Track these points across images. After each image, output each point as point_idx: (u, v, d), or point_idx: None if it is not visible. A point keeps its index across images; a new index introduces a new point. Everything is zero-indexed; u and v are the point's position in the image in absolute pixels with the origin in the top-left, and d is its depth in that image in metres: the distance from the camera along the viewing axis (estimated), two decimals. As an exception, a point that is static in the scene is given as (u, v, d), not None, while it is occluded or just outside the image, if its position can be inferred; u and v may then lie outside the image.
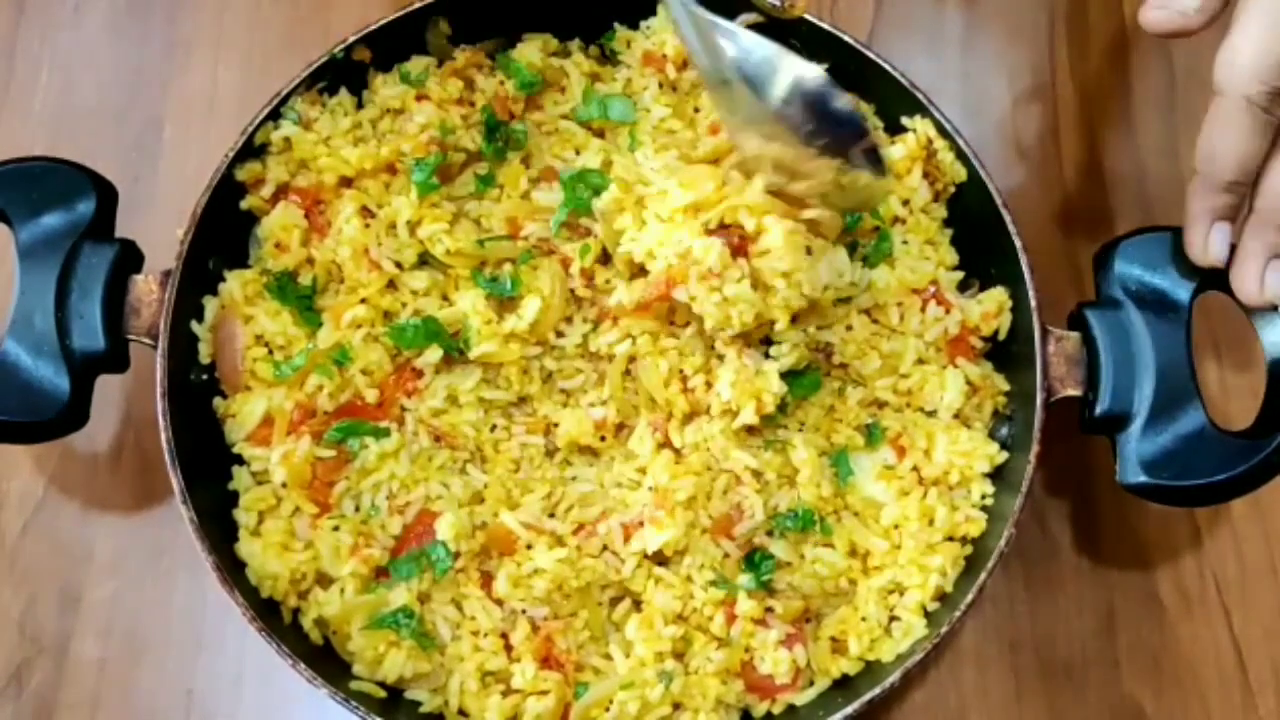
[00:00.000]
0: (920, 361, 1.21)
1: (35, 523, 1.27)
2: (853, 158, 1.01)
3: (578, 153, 1.25)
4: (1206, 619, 1.27)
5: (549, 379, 1.20)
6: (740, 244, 1.08)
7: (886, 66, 1.24)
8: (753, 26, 1.29)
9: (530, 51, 1.28)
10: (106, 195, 1.18)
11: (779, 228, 1.07)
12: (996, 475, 1.18)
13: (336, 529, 1.13)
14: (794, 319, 1.14)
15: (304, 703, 1.21)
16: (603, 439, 1.18)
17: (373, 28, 1.22)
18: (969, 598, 1.08)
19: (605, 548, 1.13)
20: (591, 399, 1.19)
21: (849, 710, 1.06)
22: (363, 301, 1.18)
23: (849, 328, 1.20)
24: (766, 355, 1.16)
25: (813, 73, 0.99)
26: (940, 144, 1.24)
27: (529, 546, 1.12)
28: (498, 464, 1.17)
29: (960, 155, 1.23)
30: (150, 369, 1.12)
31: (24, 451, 1.29)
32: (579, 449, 1.19)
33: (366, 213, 1.21)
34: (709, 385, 1.15)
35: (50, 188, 1.16)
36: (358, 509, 1.15)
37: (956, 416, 1.20)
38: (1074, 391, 1.14)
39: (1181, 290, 1.14)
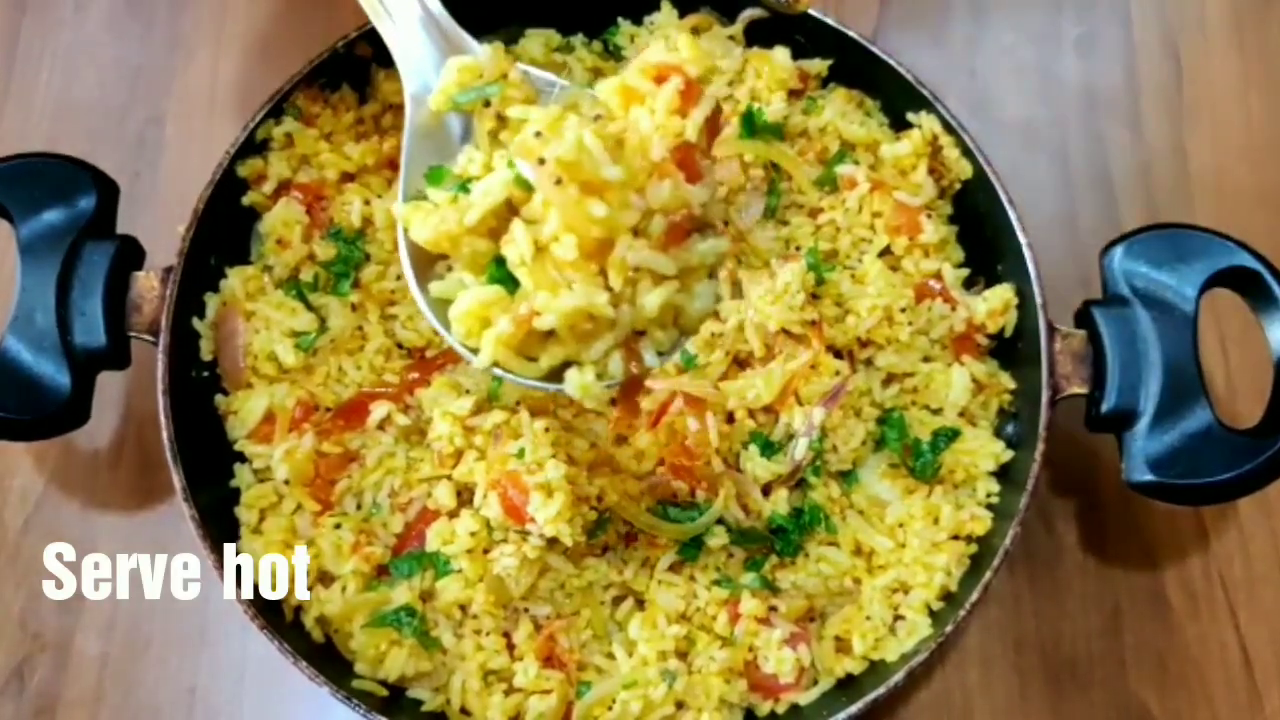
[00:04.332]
0: (926, 359, 1.20)
1: (37, 519, 1.27)
2: None
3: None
4: (1213, 618, 1.26)
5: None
6: None
7: (892, 63, 1.24)
8: (756, 21, 1.30)
9: (533, 46, 1.27)
10: (107, 191, 1.18)
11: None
12: (1002, 474, 1.17)
13: (338, 527, 1.12)
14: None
15: (306, 700, 1.21)
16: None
17: (375, 23, 1.21)
18: (974, 597, 1.08)
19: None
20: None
21: (853, 710, 1.05)
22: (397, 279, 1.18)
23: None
24: None
25: None
26: (946, 140, 1.23)
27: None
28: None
29: (966, 152, 1.23)
30: (151, 366, 1.12)
31: (25, 448, 1.29)
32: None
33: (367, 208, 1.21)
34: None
35: (51, 184, 1.16)
36: (359, 506, 1.15)
37: (962, 414, 1.19)
38: (1080, 389, 1.14)
39: (1188, 288, 1.14)
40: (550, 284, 0.81)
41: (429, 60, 0.98)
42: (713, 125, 0.84)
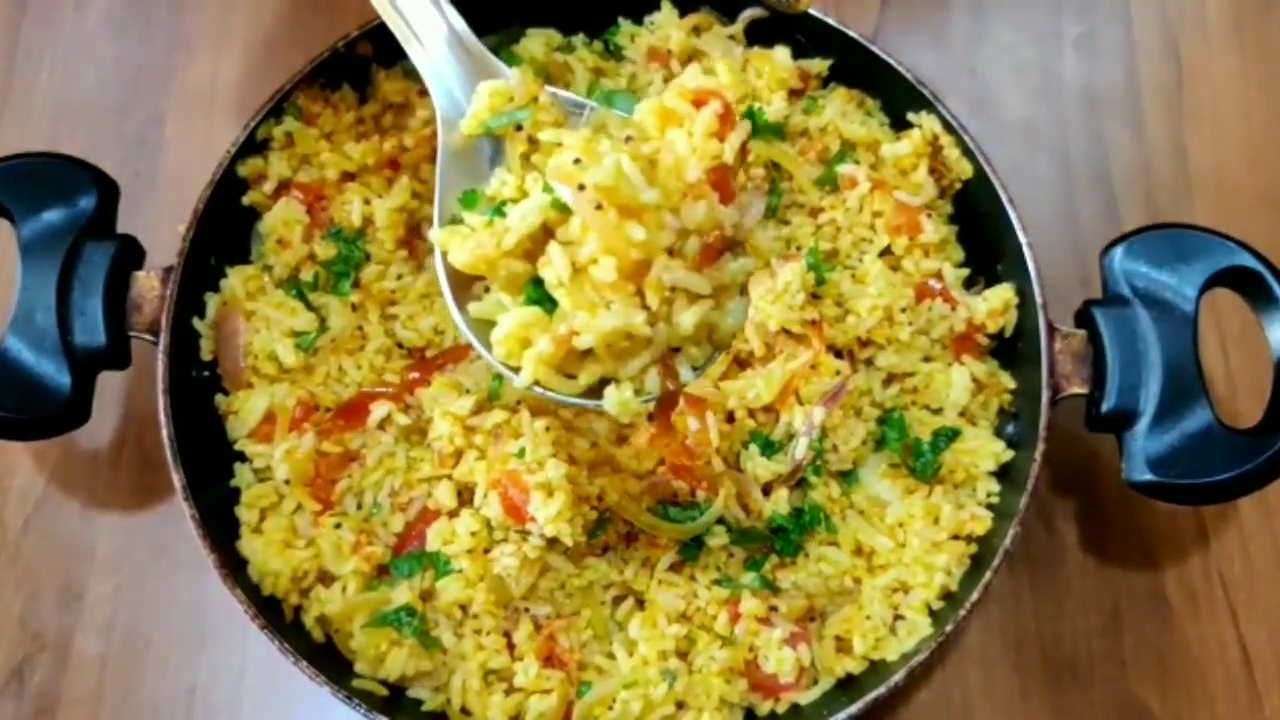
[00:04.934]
0: (926, 359, 1.20)
1: (37, 519, 1.27)
2: None
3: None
4: (1213, 618, 1.26)
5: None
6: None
7: (892, 62, 1.24)
8: (757, 21, 1.30)
9: (534, 46, 1.27)
10: (108, 191, 1.18)
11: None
12: (1002, 474, 1.17)
13: (338, 526, 1.12)
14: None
15: (306, 701, 1.21)
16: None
17: (375, 22, 1.21)
18: (974, 596, 1.08)
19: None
20: None
21: (853, 709, 1.05)
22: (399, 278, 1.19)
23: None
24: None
25: None
26: (946, 140, 1.23)
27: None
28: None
29: (966, 151, 1.23)
30: (151, 366, 1.12)
31: (25, 448, 1.29)
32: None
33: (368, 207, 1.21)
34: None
35: (52, 183, 1.16)
36: (360, 506, 1.15)
37: (962, 414, 1.19)
38: (1080, 389, 1.13)
39: (1188, 288, 1.14)
40: (589, 304, 0.83)
41: (458, 82, 0.99)
42: (743, 149, 0.87)
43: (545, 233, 0.87)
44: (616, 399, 0.86)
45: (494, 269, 0.89)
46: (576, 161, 0.83)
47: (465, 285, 0.94)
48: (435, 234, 0.93)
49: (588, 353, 0.85)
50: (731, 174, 0.85)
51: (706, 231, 0.84)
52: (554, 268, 0.84)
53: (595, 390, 0.89)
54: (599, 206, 0.81)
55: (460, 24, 1.02)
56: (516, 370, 0.89)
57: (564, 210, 0.85)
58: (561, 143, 0.88)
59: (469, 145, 0.98)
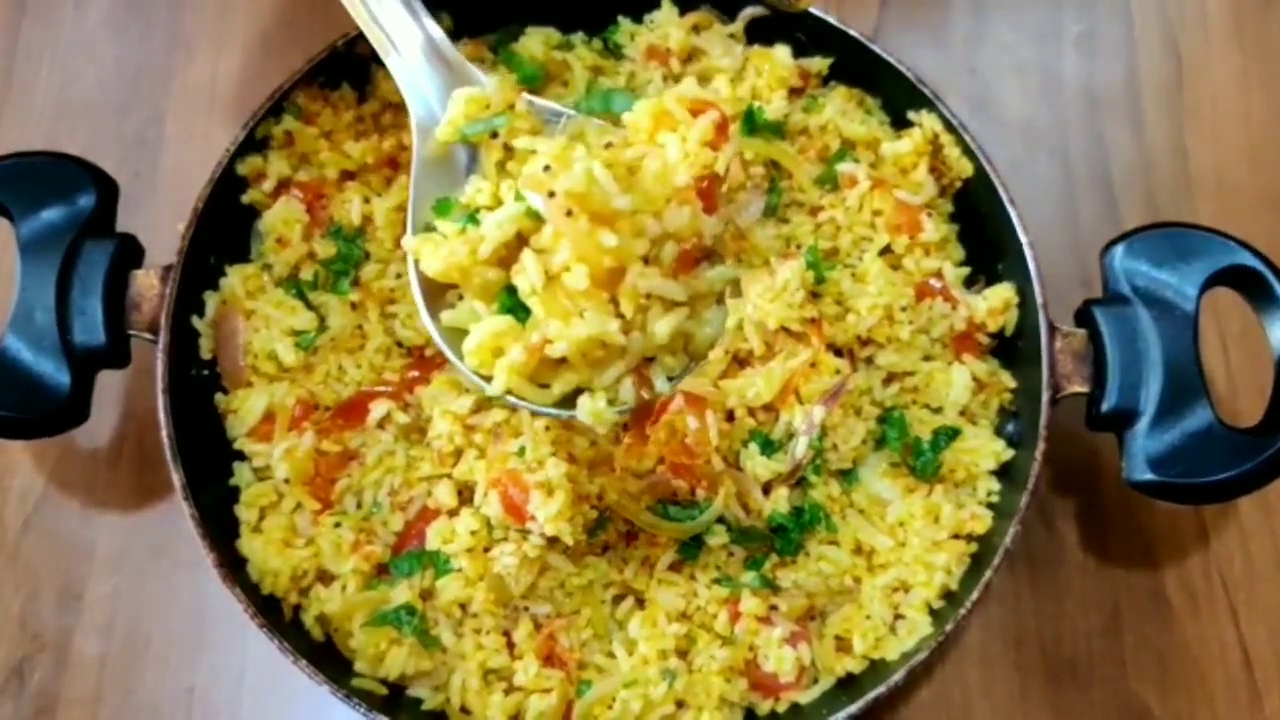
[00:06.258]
0: (927, 358, 1.20)
1: (36, 519, 1.27)
2: None
3: (580, 147, 1.24)
4: (1213, 618, 1.26)
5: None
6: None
7: (892, 61, 1.24)
8: (757, 19, 1.30)
9: (533, 44, 1.27)
10: (107, 190, 1.18)
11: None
12: (1002, 473, 1.17)
13: (338, 525, 1.12)
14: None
15: (306, 700, 1.21)
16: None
17: (374, 22, 1.21)
18: (974, 596, 1.08)
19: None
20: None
21: (853, 709, 1.05)
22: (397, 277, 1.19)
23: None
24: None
25: None
26: (947, 139, 1.23)
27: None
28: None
29: (967, 150, 1.23)
30: (151, 364, 1.12)
31: (24, 447, 1.29)
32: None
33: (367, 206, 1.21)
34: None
35: (51, 182, 1.16)
36: (359, 505, 1.15)
37: (962, 413, 1.19)
38: (1080, 388, 1.13)
39: (1189, 287, 1.13)
40: (562, 312, 0.82)
41: (434, 90, 1.00)
42: (727, 168, 0.88)
43: (519, 240, 0.87)
44: (590, 409, 0.86)
45: (467, 277, 0.89)
46: (547, 168, 0.83)
47: (439, 293, 0.94)
48: (408, 242, 0.93)
49: (561, 362, 0.85)
50: (718, 185, 0.85)
51: (685, 238, 0.84)
52: (527, 275, 0.84)
53: (569, 400, 0.89)
54: (569, 213, 0.80)
55: (438, 33, 1.02)
56: (489, 379, 0.89)
57: (538, 219, 0.85)
58: (536, 150, 0.88)
59: (445, 153, 0.98)
